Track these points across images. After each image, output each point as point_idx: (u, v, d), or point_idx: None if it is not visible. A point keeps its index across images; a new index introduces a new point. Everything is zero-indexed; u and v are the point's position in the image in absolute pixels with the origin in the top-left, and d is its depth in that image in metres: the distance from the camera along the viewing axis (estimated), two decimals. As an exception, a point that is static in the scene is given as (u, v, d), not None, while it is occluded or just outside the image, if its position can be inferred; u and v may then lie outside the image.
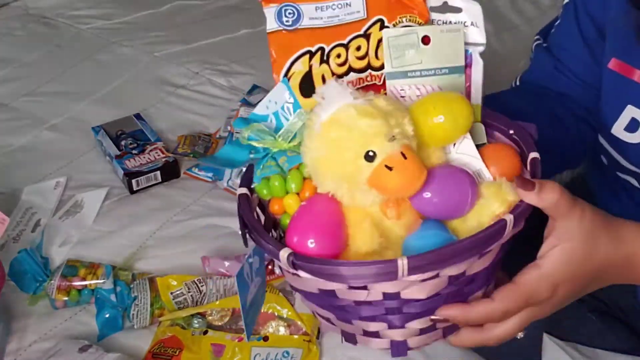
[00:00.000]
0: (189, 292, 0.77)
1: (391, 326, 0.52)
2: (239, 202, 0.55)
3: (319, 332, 0.75)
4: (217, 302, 0.75)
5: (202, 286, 0.77)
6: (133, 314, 0.76)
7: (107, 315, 0.77)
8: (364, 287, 0.49)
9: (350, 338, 0.56)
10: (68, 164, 1.05)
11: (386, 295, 0.49)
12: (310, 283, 0.50)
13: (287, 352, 0.71)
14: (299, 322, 0.73)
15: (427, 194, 0.51)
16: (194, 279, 0.78)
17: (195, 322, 0.75)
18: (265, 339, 0.72)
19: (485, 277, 0.53)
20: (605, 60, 0.71)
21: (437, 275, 0.48)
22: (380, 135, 0.48)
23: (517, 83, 0.84)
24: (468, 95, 0.60)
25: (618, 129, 0.70)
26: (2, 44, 1.44)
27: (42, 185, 1.00)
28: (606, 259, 0.53)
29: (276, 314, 0.74)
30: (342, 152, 0.49)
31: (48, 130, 1.15)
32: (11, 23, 1.53)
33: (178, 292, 0.77)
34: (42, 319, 0.79)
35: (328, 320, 0.56)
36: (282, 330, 0.73)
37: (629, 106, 0.69)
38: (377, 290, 0.49)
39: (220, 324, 0.75)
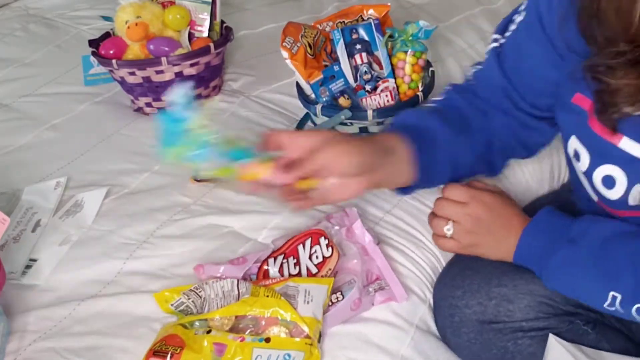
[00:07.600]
0: (189, 299, 0.76)
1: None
2: None
3: (320, 335, 0.74)
4: (220, 310, 0.74)
5: (200, 292, 0.76)
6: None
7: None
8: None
9: None
10: (68, 164, 1.05)
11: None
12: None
13: (289, 355, 0.70)
14: (301, 325, 0.73)
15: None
16: (190, 288, 0.77)
17: (197, 322, 0.74)
18: (267, 340, 0.72)
19: None
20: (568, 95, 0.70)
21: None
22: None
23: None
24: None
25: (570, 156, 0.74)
26: (2, 44, 1.44)
27: (43, 185, 1.00)
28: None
29: (279, 317, 0.73)
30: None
31: (48, 130, 1.14)
32: (11, 23, 1.53)
33: (178, 302, 0.76)
34: (42, 318, 0.78)
35: None
36: (285, 335, 0.73)
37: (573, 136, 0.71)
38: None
39: (223, 329, 0.74)
